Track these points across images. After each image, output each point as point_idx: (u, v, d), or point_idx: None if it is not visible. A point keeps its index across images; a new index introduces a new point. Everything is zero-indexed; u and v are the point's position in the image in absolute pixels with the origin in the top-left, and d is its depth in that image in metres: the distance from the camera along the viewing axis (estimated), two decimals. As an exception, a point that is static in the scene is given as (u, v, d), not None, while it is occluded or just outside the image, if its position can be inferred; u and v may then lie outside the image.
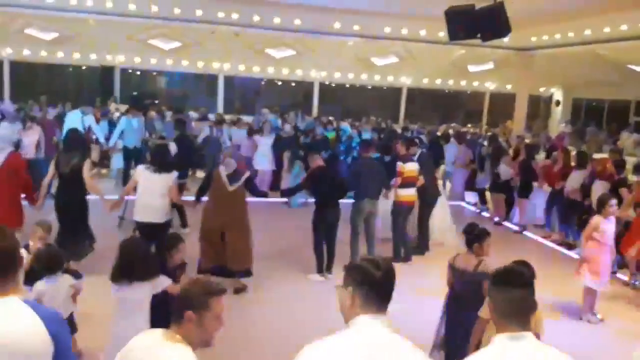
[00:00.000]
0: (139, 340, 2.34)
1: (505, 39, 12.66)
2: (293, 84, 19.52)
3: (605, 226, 6.15)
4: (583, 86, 19.36)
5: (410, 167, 7.93)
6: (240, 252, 6.38)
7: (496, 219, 10.76)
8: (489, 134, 15.61)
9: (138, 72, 18.25)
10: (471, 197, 12.24)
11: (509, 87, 19.39)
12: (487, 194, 11.41)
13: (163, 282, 4.00)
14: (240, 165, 6.66)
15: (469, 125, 18.22)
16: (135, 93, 18.08)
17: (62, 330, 2.15)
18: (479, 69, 18.61)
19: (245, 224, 6.52)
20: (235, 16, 13.40)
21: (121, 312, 3.86)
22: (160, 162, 6.26)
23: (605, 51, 13.97)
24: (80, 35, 15.37)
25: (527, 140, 14.01)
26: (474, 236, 4.42)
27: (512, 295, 2.18)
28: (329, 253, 7.21)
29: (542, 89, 20.69)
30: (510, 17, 7.98)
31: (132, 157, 11.14)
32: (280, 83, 19.30)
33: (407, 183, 7.91)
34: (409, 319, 4.16)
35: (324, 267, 7.17)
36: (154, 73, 18.88)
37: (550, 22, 12.94)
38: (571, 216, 9.27)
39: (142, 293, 3.86)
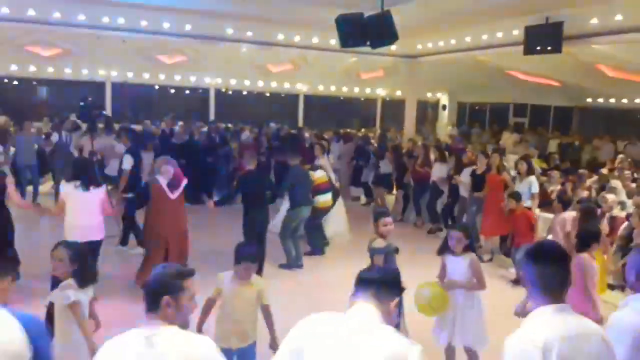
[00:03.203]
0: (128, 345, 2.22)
1: (393, 47, 13.18)
2: (187, 92, 19.00)
3: None
4: (466, 91, 20.63)
5: (319, 175, 8.37)
6: (181, 252, 6.59)
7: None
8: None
9: (15, 82, 16.89)
10: (356, 192, 13.35)
11: (399, 93, 20.18)
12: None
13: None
14: (177, 173, 6.63)
15: (363, 130, 18.73)
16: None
17: (43, 338, 2.46)
18: (370, 76, 19.20)
19: (186, 228, 6.74)
20: (121, 21, 12.77)
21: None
22: (89, 177, 5.97)
23: (484, 57, 14.95)
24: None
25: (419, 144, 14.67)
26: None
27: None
28: (258, 257, 7.36)
29: (429, 94, 21.77)
30: (397, 25, 8.31)
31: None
32: (173, 91, 18.71)
33: (321, 190, 8.30)
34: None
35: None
36: (34, 83, 17.59)
37: (434, 30, 13.62)
38: (435, 202, 10.70)
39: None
